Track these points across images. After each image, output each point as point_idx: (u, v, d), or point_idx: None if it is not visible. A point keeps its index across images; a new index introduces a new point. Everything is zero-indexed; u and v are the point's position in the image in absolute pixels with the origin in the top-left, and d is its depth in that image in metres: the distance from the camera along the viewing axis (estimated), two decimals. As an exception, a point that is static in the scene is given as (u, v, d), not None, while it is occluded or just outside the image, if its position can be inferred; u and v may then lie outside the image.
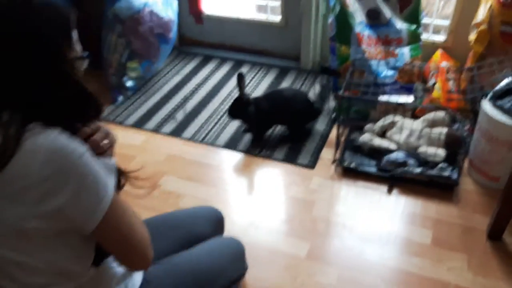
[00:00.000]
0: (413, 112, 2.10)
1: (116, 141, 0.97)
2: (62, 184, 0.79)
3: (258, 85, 2.50)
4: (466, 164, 1.89)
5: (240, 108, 1.99)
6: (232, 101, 2.02)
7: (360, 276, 1.50)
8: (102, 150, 0.91)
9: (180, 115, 2.29)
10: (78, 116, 0.90)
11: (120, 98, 2.40)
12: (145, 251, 0.92)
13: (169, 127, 2.22)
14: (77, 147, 0.81)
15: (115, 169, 0.90)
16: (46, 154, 0.78)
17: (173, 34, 2.55)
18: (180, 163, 2.01)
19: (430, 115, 1.94)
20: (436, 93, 2.03)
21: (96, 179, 0.82)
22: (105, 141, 0.93)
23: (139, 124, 2.24)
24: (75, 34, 0.89)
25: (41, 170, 0.78)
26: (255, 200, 1.81)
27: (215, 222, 1.38)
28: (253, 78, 2.57)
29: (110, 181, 0.86)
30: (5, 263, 0.86)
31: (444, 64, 2.16)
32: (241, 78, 1.96)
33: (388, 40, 2.17)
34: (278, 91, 2.13)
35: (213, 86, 2.51)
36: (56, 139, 0.80)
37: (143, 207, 1.68)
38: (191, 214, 1.38)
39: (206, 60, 2.75)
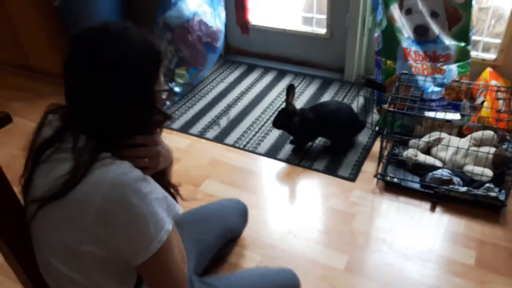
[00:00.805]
0: (460, 130, 2.06)
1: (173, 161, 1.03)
2: (117, 219, 0.83)
3: (301, 95, 2.52)
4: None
5: (285, 118, 2.02)
6: (277, 111, 2.05)
7: (400, 293, 1.48)
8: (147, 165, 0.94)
9: (223, 122, 2.35)
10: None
11: (168, 103, 2.48)
12: (182, 286, 0.95)
13: (213, 132, 2.27)
14: (142, 187, 0.84)
15: (175, 211, 0.92)
16: (110, 187, 0.82)
17: (220, 43, 2.62)
18: (222, 168, 2.05)
19: (478, 134, 1.90)
20: (485, 111, 1.99)
21: (151, 221, 0.84)
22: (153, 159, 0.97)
23: (185, 129, 2.30)
24: (162, 67, 0.92)
25: (102, 201, 0.81)
26: (294, 209, 1.83)
27: (242, 213, 1.58)
28: (296, 88, 2.59)
29: (167, 224, 0.87)
30: (60, 276, 0.92)
31: (494, 83, 2.11)
32: (291, 89, 1.98)
33: (436, 57, 2.14)
34: (323, 103, 2.14)
35: (256, 94, 2.55)
36: (123, 174, 0.83)
37: (185, 207, 1.73)
38: (221, 206, 1.54)
39: (250, 69, 2.81)
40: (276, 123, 2.06)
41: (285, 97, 2.01)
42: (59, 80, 0.92)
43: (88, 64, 0.85)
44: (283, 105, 2.04)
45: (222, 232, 1.46)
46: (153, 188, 0.87)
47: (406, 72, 2.04)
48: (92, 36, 0.87)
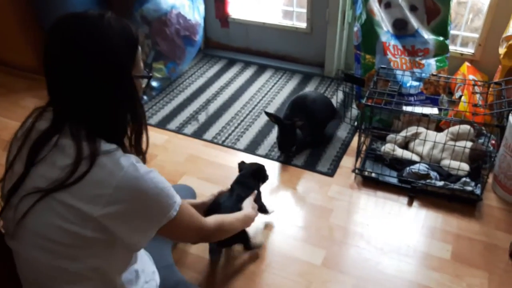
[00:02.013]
0: (437, 125, 2.07)
1: None
2: (132, 207, 0.89)
3: (281, 90, 2.50)
4: (490, 180, 1.85)
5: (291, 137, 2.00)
6: (281, 135, 2.01)
7: (376, 288, 1.47)
8: None
9: (202, 117, 2.31)
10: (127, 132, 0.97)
11: (145, 98, 2.44)
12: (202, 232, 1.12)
13: (191, 128, 2.24)
14: (152, 177, 0.90)
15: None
16: (122, 178, 0.86)
17: (199, 37, 2.58)
18: (200, 164, 2.02)
19: (455, 128, 1.91)
20: (462, 106, 2.00)
21: (163, 196, 0.93)
22: None
23: (162, 124, 2.27)
24: (139, 53, 0.93)
25: (114, 192, 0.86)
26: (272, 204, 1.81)
27: (194, 198, 1.63)
28: (276, 83, 2.57)
29: (178, 197, 0.97)
30: (49, 270, 0.92)
31: (471, 77, 2.12)
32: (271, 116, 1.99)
33: (414, 51, 2.14)
34: (301, 98, 2.10)
35: (236, 89, 2.53)
36: (134, 166, 0.88)
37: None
38: (179, 194, 1.55)
39: (230, 64, 2.77)
40: (287, 146, 2.02)
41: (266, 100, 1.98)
42: (32, 75, 0.91)
43: (65, 52, 0.86)
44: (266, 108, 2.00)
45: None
46: (162, 178, 0.94)
47: (385, 66, 2.03)
48: (69, 23, 0.87)
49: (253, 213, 1.46)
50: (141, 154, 1.00)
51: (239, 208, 1.45)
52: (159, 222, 0.94)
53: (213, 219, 1.17)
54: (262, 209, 1.63)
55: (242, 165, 1.70)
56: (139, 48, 0.93)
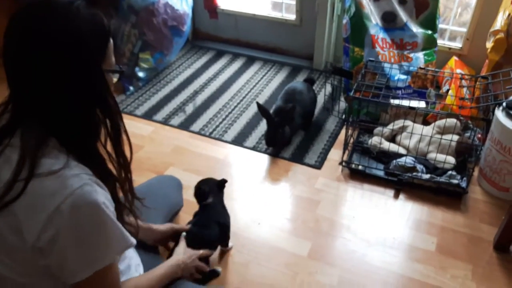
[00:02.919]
0: (424, 118, 2.07)
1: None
2: (67, 236, 0.79)
3: (269, 83, 2.49)
4: (476, 173, 1.86)
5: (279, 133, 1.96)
6: (268, 129, 1.97)
7: (361, 280, 1.47)
8: None
9: (189, 109, 2.29)
10: (97, 135, 0.88)
11: (131, 88, 2.40)
12: None
13: (178, 119, 2.21)
14: (101, 211, 0.81)
15: (128, 244, 0.89)
16: (67, 202, 0.78)
17: (187, 27, 2.55)
18: (187, 156, 2.00)
19: (442, 122, 1.91)
20: (449, 100, 2.01)
21: (101, 244, 0.83)
22: None
23: (148, 115, 2.24)
24: (111, 45, 0.86)
25: (53, 214, 0.77)
26: (259, 196, 1.80)
27: (179, 188, 1.60)
28: (265, 75, 2.56)
29: (113, 255, 0.86)
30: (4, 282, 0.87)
31: (459, 71, 2.13)
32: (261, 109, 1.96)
33: (403, 44, 2.15)
34: (291, 89, 2.09)
35: (224, 81, 2.51)
36: (84, 192, 0.79)
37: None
38: (162, 185, 1.54)
39: (218, 55, 2.75)
40: (274, 141, 1.98)
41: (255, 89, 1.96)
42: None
43: (26, 41, 0.78)
44: (252, 96, 1.99)
45: (166, 211, 1.45)
46: (112, 215, 0.84)
47: (373, 59, 2.03)
48: (32, 10, 0.80)
49: (186, 259, 1.25)
50: (124, 160, 0.93)
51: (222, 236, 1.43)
52: (94, 264, 0.83)
53: (127, 286, 0.99)
54: (226, 243, 1.52)
55: (201, 189, 1.49)
56: (111, 40, 0.86)
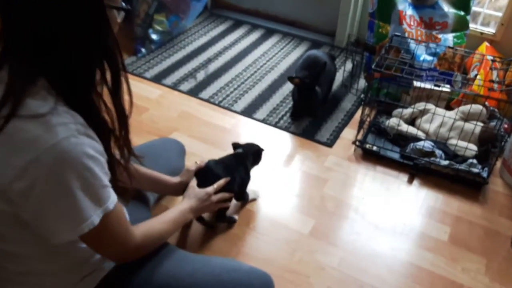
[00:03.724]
0: (448, 103, 1.94)
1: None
2: (44, 191, 0.72)
3: (287, 56, 2.37)
4: (498, 165, 1.73)
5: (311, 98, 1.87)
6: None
7: (364, 264, 1.37)
8: None
9: (200, 75, 2.19)
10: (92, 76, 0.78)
11: (143, 50, 2.32)
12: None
13: (187, 85, 2.12)
14: (86, 167, 0.73)
15: (106, 205, 0.80)
16: (49, 153, 0.70)
17: (205, -8, 2.44)
18: (193, 122, 1.91)
19: (466, 107, 1.78)
20: (477, 86, 1.87)
21: (80, 206, 0.75)
22: None
23: (158, 79, 2.15)
24: None
25: (32, 162, 0.70)
26: (265, 170, 1.70)
27: (182, 153, 1.53)
28: (282, 48, 2.44)
29: (95, 217, 0.77)
30: None
31: (490, 58, 1.98)
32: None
33: (432, 24, 2.01)
34: (311, 58, 1.95)
35: (240, 51, 2.40)
36: (70, 144, 0.71)
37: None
38: (164, 147, 1.48)
39: (236, 25, 2.64)
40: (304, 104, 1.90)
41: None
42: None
43: None
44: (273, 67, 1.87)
45: (167, 173, 1.35)
46: (99, 172, 0.76)
47: (399, 34, 1.90)
48: None
49: (198, 204, 1.21)
50: (122, 112, 0.83)
51: (227, 175, 1.32)
52: (78, 227, 0.76)
53: (140, 230, 0.94)
54: (242, 197, 1.50)
55: (237, 145, 1.48)
56: None
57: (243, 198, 1.50)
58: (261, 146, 1.51)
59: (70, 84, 0.76)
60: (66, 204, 0.74)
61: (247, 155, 1.44)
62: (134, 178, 0.96)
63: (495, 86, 1.68)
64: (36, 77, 0.73)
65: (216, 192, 1.27)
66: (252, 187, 1.52)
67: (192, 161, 1.41)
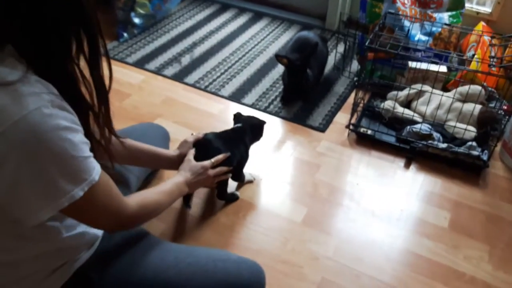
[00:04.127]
0: (445, 85, 1.86)
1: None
2: (15, 165, 0.64)
3: (276, 40, 2.28)
4: (498, 147, 1.65)
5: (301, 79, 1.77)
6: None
7: (360, 252, 1.29)
8: None
9: (185, 60, 2.09)
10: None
11: (125, 35, 2.20)
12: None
13: (172, 70, 2.01)
14: (62, 138, 0.65)
15: (91, 178, 0.72)
16: (20, 126, 0.62)
17: (190, -26, 2.33)
18: (178, 108, 1.81)
19: (464, 88, 1.70)
20: (474, 66, 1.79)
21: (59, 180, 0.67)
22: None
23: (140, 64, 2.04)
24: None
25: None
26: (255, 156, 1.61)
27: (165, 138, 1.44)
28: (271, 32, 2.34)
29: (78, 191, 0.70)
30: None
31: (487, 38, 1.90)
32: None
33: (426, 2, 1.92)
34: (302, 39, 1.86)
35: (227, 35, 2.29)
36: (43, 116, 0.63)
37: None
38: (146, 132, 1.37)
39: (223, 9, 2.53)
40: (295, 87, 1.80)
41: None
42: None
43: None
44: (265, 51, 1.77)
45: (143, 172, 1.27)
46: (78, 142, 0.69)
47: (393, 11, 1.81)
48: None
49: (193, 177, 1.14)
50: (102, 86, 0.75)
51: (227, 150, 1.25)
52: (56, 202, 0.68)
53: (134, 200, 0.88)
54: (238, 178, 1.42)
55: (238, 116, 1.43)
56: None
57: (239, 178, 1.42)
58: (262, 119, 1.45)
59: (41, 52, 0.66)
60: (40, 183, 0.66)
61: (246, 131, 1.37)
62: (116, 159, 0.87)
63: (493, 62, 1.60)
64: (2, 43, 0.64)
65: (214, 167, 1.20)
66: (248, 169, 1.44)
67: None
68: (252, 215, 1.38)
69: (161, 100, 1.85)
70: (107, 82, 0.76)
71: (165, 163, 1.23)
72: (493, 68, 1.67)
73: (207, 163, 1.18)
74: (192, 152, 1.21)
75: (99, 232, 0.93)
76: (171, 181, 1.08)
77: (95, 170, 0.72)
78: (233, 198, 1.41)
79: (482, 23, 2.01)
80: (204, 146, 1.24)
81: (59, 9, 0.65)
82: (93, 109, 0.76)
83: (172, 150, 1.26)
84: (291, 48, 1.84)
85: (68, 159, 0.67)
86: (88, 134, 0.74)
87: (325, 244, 1.30)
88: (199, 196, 1.43)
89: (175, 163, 1.21)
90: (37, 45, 0.66)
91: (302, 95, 1.86)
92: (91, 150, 0.73)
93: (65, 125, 0.66)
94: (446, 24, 1.83)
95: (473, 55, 1.84)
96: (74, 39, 0.69)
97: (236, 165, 1.29)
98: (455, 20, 1.94)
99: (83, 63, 0.72)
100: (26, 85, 0.63)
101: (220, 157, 1.22)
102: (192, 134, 1.29)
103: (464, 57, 1.89)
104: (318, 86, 1.94)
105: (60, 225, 0.80)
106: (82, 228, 0.86)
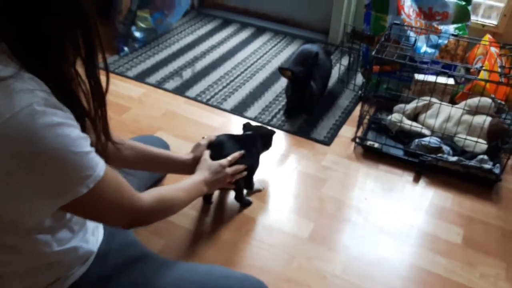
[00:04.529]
0: (452, 98, 1.82)
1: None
2: (8, 166, 0.61)
3: (278, 54, 2.25)
4: (510, 161, 1.59)
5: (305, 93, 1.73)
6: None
7: (370, 271, 1.22)
8: None
9: (187, 74, 2.05)
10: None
11: (126, 49, 2.18)
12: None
13: (173, 84, 1.98)
14: (54, 133, 0.62)
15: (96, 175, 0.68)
16: (5, 128, 0.59)
17: (192, -12, 2.32)
18: (179, 121, 1.76)
19: (474, 100, 1.65)
20: (483, 75, 1.74)
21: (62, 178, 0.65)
22: None
23: (141, 77, 2.01)
24: None
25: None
26: (259, 170, 1.55)
27: None
28: (274, 46, 2.31)
29: (81, 188, 0.66)
30: None
31: (493, 50, 1.87)
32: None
33: (432, 14, 1.89)
34: (304, 52, 1.82)
35: (228, 49, 2.27)
36: (32, 114, 0.59)
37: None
38: (148, 144, 1.26)
39: (225, 24, 2.51)
40: (302, 99, 1.75)
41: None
42: None
43: None
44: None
45: (146, 177, 1.23)
46: (76, 137, 0.65)
47: (398, 22, 1.77)
48: None
49: (212, 176, 1.12)
50: (99, 88, 0.72)
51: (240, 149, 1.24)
52: (57, 199, 0.65)
53: (151, 194, 0.86)
54: (248, 185, 1.38)
55: (248, 126, 1.43)
56: None
57: (250, 185, 1.38)
58: (272, 129, 1.44)
59: (36, 52, 0.63)
60: (40, 182, 0.63)
61: (257, 138, 1.36)
62: (127, 164, 0.84)
63: (503, 72, 1.55)
64: None
65: (231, 165, 1.18)
66: (258, 177, 1.41)
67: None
68: (256, 231, 1.32)
69: (162, 114, 1.80)
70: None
71: (180, 166, 1.19)
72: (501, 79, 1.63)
73: (224, 161, 1.17)
74: (207, 152, 1.19)
75: (94, 247, 0.87)
76: (190, 179, 1.06)
77: (99, 165, 0.68)
78: (248, 202, 1.39)
79: (488, 36, 1.98)
80: (219, 146, 1.23)
81: (57, 9, 0.62)
82: (89, 114, 0.72)
83: (185, 153, 1.22)
84: (294, 61, 1.80)
85: (68, 155, 0.63)
86: None
87: (333, 262, 1.23)
88: (196, 209, 1.37)
89: (190, 166, 1.17)
90: (32, 44, 0.62)
91: (305, 109, 1.82)
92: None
93: (60, 121, 0.62)
94: (453, 35, 1.80)
95: (481, 67, 1.80)
96: (70, 40, 0.65)
97: (247, 171, 1.27)
98: (461, 33, 1.90)
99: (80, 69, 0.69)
100: (19, 81, 0.60)
101: (236, 154, 1.21)
102: (203, 137, 1.27)
103: (472, 69, 1.85)
104: (322, 100, 1.90)
105: (51, 238, 0.75)
106: (75, 242, 0.80)
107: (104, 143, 0.78)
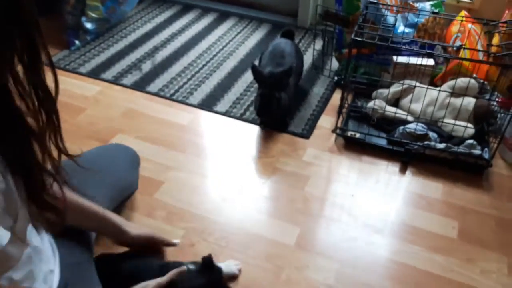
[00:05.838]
0: (431, 80, 1.72)
1: None
2: None
3: (245, 41, 2.09)
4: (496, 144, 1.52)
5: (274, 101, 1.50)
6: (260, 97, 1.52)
7: (366, 276, 1.11)
8: None
9: (146, 66, 1.87)
10: None
11: (77, 42, 1.96)
12: None
13: (131, 78, 1.79)
14: None
15: None
16: None
17: (147, -28, 2.11)
18: (140, 121, 1.59)
19: (458, 82, 1.56)
20: (463, 53, 1.66)
21: None
22: None
23: (95, 73, 1.80)
24: None
25: None
26: (232, 171, 1.41)
27: (136, 166, 1.21)
28: (240, 32, 2.15)
29: None
30: None
31: (470, 26, 1.78)
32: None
33: (407, -9, 1.78)
34: (276, 49, 1.65)
35: (191, 37, 2.09)
36: None
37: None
38: (110, 158, 1.15)
39: (185, 10, 2.32)
40: (267, 109, 1.51)
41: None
42: None
43: None
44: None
45: (114, 193, 1.05)
46: None
47: (375, 1, 1.65)
48: None
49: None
50: (46, 94, 0.57)
51: None
52: None
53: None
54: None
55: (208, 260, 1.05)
56: None
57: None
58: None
59: None
60: None
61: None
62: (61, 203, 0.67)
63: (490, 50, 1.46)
64: None
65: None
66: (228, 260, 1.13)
67: (145, 171, 1.11)
68: (236, 241, 1.18)
69: (121, 113, 1.61)
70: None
71: (127, 240, 0.99)
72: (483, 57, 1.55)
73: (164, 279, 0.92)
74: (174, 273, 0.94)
75: None
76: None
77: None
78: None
79: (464, 12, 1.89)
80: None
81: None
82: (34, 132, 0.58)
83: (133, 227, 1.01)
84: (266, 61, 1.62)
85: None
86: (26, 164, 0.58)
87: (325, 270, 1.11)
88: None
89: (126, 241, 0.99)
90: None
91: (278, 123, 1.60)
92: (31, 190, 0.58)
93: None
94: (433, 12, 1.69)
95: (461, 45, 1.71)
96: (5, 43, 0.50)
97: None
98: (437, 10, 1.81)
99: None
100: None
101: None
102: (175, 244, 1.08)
103: (451, 48, 1.76)
104: (297, 89, 1.75)
105: None
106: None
107: (56, 161, 0.63)
